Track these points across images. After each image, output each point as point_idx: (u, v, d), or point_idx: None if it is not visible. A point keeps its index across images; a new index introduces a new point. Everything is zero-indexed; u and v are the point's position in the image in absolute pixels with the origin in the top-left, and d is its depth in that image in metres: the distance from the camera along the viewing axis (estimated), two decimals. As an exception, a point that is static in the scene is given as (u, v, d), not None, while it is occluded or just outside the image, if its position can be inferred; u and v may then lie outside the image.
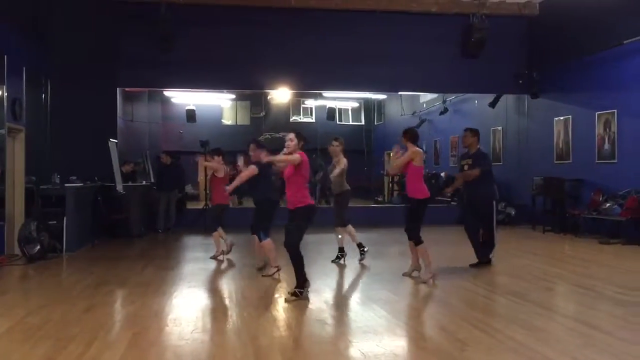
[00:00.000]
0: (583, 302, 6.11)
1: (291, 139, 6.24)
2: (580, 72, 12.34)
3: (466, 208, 8.44)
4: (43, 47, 11.42)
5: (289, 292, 6.17)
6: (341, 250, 8.61)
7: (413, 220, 7.14)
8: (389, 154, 23.95)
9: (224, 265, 8.54)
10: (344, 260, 8.55)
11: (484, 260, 8.12)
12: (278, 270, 7.38)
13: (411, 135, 7.31)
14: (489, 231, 8.17)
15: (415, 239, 7.08)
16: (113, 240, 11.04)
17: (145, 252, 10.06)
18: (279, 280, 7.19)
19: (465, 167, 8.15)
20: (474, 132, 8.30)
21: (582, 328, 4.95)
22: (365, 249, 8.64)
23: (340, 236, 8.59)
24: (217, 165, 9.11)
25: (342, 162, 8.40)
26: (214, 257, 9.01)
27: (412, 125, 19.72)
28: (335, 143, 8.51)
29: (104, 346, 4.50)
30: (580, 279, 7.17)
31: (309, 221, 6.16)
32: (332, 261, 8.53)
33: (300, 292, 6.05)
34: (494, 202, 8.22)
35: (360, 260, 8.55)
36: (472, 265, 8.04)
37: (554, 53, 13.01)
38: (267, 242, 7.41)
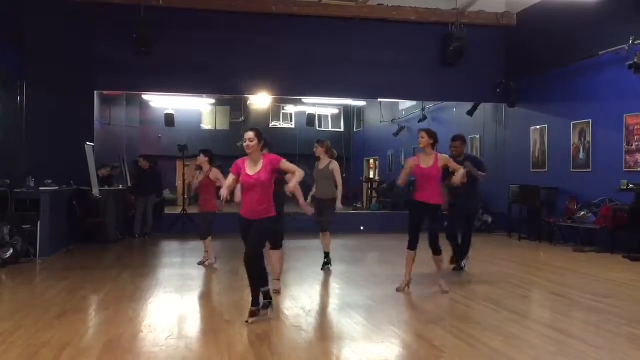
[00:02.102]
0: (557, 310, 6.19)
1: (250, 138, 5.28)
2: (556, 82, 12.53)
3: (459, 213, 8.07)
4: (19, 48, 11.23)
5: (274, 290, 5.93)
6: (326, 255, 8.52)
7: (437, 229, 6.66)
8: (371, 161, 24.17)
9: (202, 272, 8.47)
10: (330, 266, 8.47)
11: (459, 267, 8.25)
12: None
13: (436, 139, 6.66)
14: (469, 239, 8.27)
15: (436, 249, 6.67)
16: (88, 246, 10.86)
17: (121, 257, 9.94)
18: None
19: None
20: (464, 140, 8.43)
21: (557, 335, 5.00)
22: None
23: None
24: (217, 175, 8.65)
25: (336, 165, 8.29)
26: (202, 263, 8.85)
27: (391, 132, 20.00)
28: (316, 145, 8.47)
29: (77, 352, 4.43)
30: (555, 287, 7.25)
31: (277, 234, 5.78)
32: (322, 268, 8.41)
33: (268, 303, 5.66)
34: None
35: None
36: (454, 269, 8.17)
37: (531, 63, 13.19)
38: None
